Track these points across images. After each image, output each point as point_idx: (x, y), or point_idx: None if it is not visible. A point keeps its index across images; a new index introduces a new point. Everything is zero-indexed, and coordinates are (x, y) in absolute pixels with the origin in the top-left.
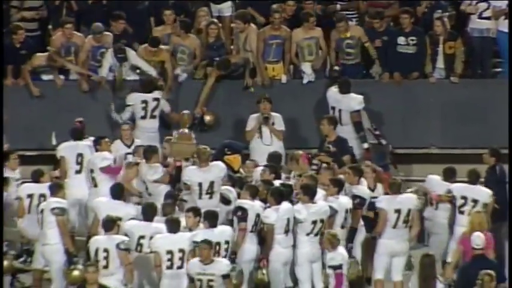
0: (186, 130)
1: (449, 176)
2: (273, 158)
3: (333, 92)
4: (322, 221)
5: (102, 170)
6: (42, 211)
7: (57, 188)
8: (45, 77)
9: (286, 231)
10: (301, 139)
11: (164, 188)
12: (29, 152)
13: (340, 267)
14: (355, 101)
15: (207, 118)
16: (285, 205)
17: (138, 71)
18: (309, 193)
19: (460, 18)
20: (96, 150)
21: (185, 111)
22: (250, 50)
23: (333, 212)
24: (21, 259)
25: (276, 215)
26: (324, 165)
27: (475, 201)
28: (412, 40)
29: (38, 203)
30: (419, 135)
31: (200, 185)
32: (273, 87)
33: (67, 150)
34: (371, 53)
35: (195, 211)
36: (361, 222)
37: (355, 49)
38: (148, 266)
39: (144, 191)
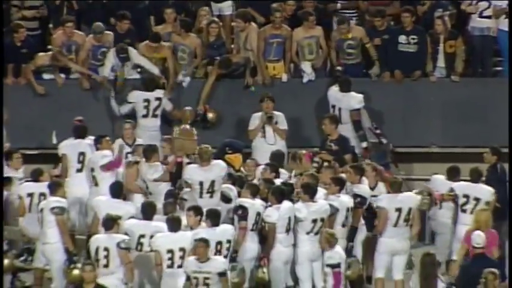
0: (188, 126)
1: (453, 175)
2: (276, 156)
3: (334, 90)
4: (322, 219)
5: (103, 168)
6: (41, 210)
7: (56, 187)
8: (46, 76)
9: (287, 230)
10: (301, 138)
11: (164, 187)
12: (30, 150)
13: (338, 265)
14: (355, 99)
15: (210, 115)
16: (286, 204)
17: (139, 69)
18: (310, 192)
19: (461, 17)
20: (97, 149)
21: (187, 108)
22: (251, 49)
23: (334, 211)
24: (22, 258)
25: (278, 214)
26: (325, 163)
27: (477, 200)
28: (413, 39)
29: (38, 202)
30: (420, 134)
31: (201, 184)
32: (274, 86)
33: (69, 148)
34: (371, 54)
35: (196, 210)
36: (362, 221)
37: (356, 49)
38: (149, 265)
39: (145, 190)
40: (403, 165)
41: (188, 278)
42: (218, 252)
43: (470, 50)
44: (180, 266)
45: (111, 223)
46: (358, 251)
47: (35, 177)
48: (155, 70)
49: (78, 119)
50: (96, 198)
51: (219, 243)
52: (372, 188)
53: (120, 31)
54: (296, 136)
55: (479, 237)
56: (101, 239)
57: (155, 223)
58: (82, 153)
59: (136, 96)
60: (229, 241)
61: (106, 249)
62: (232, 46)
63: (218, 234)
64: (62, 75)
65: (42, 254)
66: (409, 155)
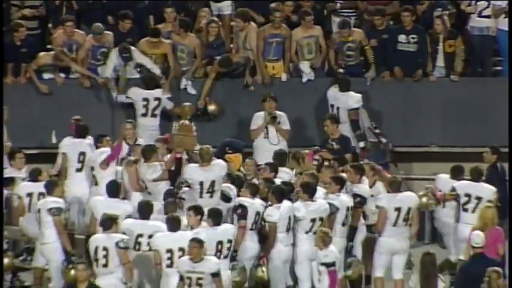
0: (187, 121)
1: (457, 174)
2: (279, 156)
3: (333, 90)
4: (321, 219)
5: (102, 166)
6: (39, 211)
7: (53, 187)
8: (46, 76)
9: (288, 230)
10: (301, 137)
11: (163, 187)
12: (30, 150)
13: (333, 264)
14: (353, 99)
15: (211, 108)
16: (286, 203)
17: (139, 69)
18: (309, 191)
19: (460, 17)
20: (97, 148)
21: (186, 103)
22: (250, 48)
23: (334, 210)
24: (21, 257)
25: (279, 213)
26: (325, 163)
27: (479, 199)
28: (413, 38)
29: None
30: (419, 134)
31: (201, 183)
32: (273, 85)
33: (69, 147)
34: (369, 57)
35: (196, 210)
36: (362, 221)
37: (356, 51)
38: (148, 265)
39: (143, 190)
40: (402, 164)
41: (181, 278)
42: (219, 251)
43: (469, 49)
44: None
45: (109, 223)
46: (358, 251)
47: (34, 176)
48: (157, 70)
49: (76, 118)
50: (94, 198)
51: (220, 242)
52: (370, 187)
53: (122, 30)
54: (296, 135)
55: (478, 237)
56: (99, 239)
57: (152, 222)
58: (82, 153)
59: (135, 93)
60: (230, 241)
61: (105, 248)
62: (232, 46)
63: (219, 234)
64: (62, 75)
65: (41, 254)
66: (409, 155)
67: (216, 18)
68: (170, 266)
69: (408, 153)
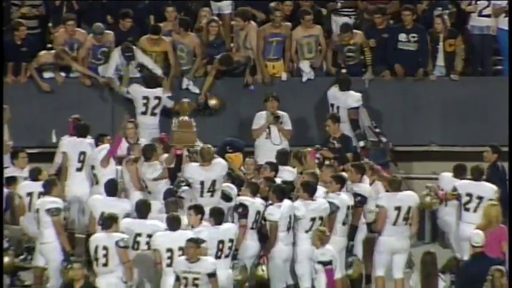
0: (186, 117)
1: (459, 172)
2: (282, 155)
3: (333, 89)
4: (321, 218)
5: (103, 163)
6: (37, 210)
7: (51, 186)
8: (46, 75)
9: (288, 229)
10: (301, 137)
11: (163, 186)
12: (30, 149)
13: (330, 263)
14: (352, 98)
15: (212, 102)
16: (287, 202)
17: (139, 68)
18: (309, 190)
19: (460, 16)
20: None
21: (185, 99)
22: (251, 47)
23: (335, 209)
24: (22, 257)
25: (280, 212)
26: (326, 162)
27: (480, 198)
28: (414, 37)
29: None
30: (419, 133)
31: (202, 183)
32: (273, 85)
33: (70, 146)
34: (367, 59)
35: (197, 209)
36: (362, 220)
37: (356, 53)
38: (147, 264)
39: (144, 189)
40: (402, 164)
41: (177, 278)
42: (220, 251)
43: (469, 48)
44: None
45: (109, 222)
46: (359, 251)
47: (34, 176)
48: (158, 71)
49: (75, 117)
50: (92, 197)
51: (221, 241)
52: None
53: (122, 29)
54: (296, 135)
55: (478, 236)
56: (99, 238)
57: (150, 221)
58: (83, 153)
59: (136, 90)
60: (231, 240)
61: (105, 248)
62: (232, 45)
63: (221, 233)
64: (62, 74)
65: (40, 254)
66: (409, 154)
67: (216, 18)
68: (170, 265)
69: (408, 152)
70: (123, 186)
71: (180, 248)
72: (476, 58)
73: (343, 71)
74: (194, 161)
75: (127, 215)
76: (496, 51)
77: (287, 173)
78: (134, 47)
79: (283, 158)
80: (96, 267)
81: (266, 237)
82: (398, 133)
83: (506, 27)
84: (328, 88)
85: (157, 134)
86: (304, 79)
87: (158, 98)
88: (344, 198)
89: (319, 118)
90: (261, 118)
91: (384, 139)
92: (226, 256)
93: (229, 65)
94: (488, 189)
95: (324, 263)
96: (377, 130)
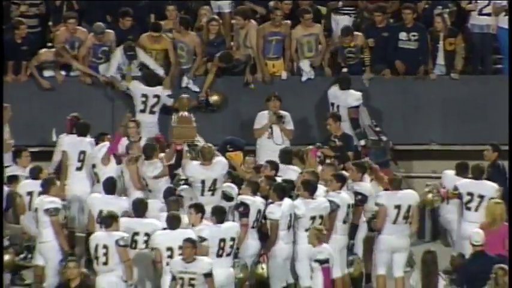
0: (186, 113)
1: (462, 171)
2: (285, 154)
3: (333, 88)
4: (321, 217)
5: (104, 161)
6: (36, 210)
7: (49, 185)
8: (46, 73)
9: (289, 227)
10: (301, 135)
11: (164, 184)
12: (30, 148)
13: (327, 261)
14: (352, 97)
15: (213, 98)
16: (287, 201)
17: (140, 67)
18: (309, 189)
19: (461, 15)
20: None
21: (183, 95)
22: (251, 46)
23: (335, 207)
24: (22, 256)
25: (281, 210)
26: (326, 160)
27: (482, 197)
28: (414, 36)
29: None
30: (419, 132)
31: (203, 182)
32: (273, 83)
33: (70, 145)
34: (365, 60)
35: (197, 207)
36: (363, 219)
37: (356, 54)
38: (147, 263)
39: (145, 188)
40: (402, 162)
41: (174, 278)
42: (221, 249)
43: (470, 47)
44: None
45: (110, 220)
46: (359, 249)
47: (35, 175)
48: (160, 71)
49: (73, 116)
50: (91, 196)
51: (223, 240)
52: None
53: (122, 28)
54: (296, 134)
55: (478, 235)
56: (99, 237)
57: (147, 220)
58: (83, 152)
59: (135, 87)
60: (233, 239)
61: (105, 246)
62: (232, 43)
63: (222, 232)
64: (63, 72)
65: (39, 253)
66: (409, 153)
67: (216, 16)
68: None
69: (408, 151)
70: (124, 185)
71: (180, 247)
72: (476, 57)
73: (344, 70)
74: (193, 157)
75: (125, 213)
76: (496, 50)
77: (292, 172)
78: (137, 47)
79: (287, 157)
80: (96, 266)
81: (266, 235)
82: (399, 132)
83: (506, 26)
84: (328, 87)
85: (156, 132)
86: (304, 78)
87: (157, 96)
88: (344, 197)
89: (319, 117)
90: (263, 118)
91: (384, 138)
92: (228, 255)
93: (229, 62)
94: (489, 188)
95: (321, 261)
96: (377, 129)
